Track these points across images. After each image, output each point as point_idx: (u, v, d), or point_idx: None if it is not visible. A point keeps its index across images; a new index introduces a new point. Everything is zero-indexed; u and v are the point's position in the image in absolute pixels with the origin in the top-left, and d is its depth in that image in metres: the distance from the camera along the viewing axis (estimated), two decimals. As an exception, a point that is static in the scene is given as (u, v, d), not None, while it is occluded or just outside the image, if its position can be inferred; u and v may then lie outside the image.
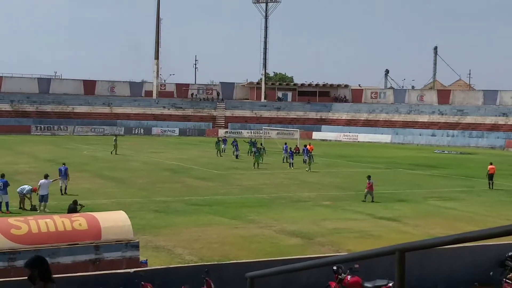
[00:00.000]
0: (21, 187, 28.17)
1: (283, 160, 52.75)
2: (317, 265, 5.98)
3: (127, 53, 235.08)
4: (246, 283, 6.32)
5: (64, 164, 34.05)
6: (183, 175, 42.21)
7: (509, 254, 17.76)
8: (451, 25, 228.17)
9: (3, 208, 27.01)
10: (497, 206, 32.18)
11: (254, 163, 47.95)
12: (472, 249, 17.37)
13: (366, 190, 32.61)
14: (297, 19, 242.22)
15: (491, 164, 40.23)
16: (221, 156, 57.22)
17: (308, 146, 52.89)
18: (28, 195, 27.85)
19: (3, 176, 27.91)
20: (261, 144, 55.90)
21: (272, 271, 6.74)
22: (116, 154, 55.72)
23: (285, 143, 56.30)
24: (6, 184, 27.34)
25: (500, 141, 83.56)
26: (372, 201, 31.96)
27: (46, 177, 28.18)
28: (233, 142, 58.76)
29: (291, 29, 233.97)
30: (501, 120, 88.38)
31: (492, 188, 38.67)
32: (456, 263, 17.39)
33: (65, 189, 32.60)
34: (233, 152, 56.70)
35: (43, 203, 27.26)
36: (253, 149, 51.45)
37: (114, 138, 59.86)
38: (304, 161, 49.99)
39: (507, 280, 17.54)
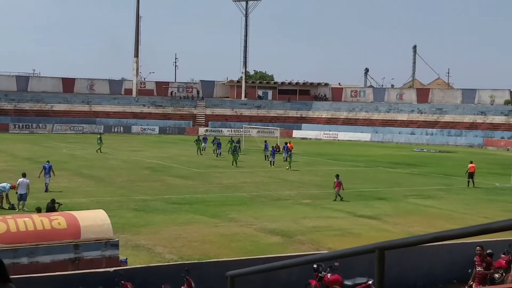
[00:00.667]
0: (1, 185, 27.88)
1: (265, 158, 52.82)
2: (297, 264, 6.00)
3: (107, 51, 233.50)
4: (227, 282, 6.32)
5: (48, 161, 34.20)
6: (163, 173, 42.08)
7: (488, 251, 17.92)
8: (430, 24, 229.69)
9: None
10: (475, 204, 32.47)
11: (233, 162, 48.11)
12: (451, 247, 17.52)
13: (335, 189, 32.29)
14: (277, 17, 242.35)
15: (471, 162, 40.56)
16: (201, 154, 57.14)
17: (288, 144, 53.19)
18: (5, 193, 27.62)
19: None
20: (237, 141, 55.70)
21: (253, 270, 6.75)
22: (100, 152, 55.57)
23: (265, 141, 56.38)
24: None
25: (478, 140, 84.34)
26: (338, 200, 31.83)
27: (24, 175, 27.94)
28: (213, 140, 58.74)
29: (271, 27, 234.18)
30: (479, 119, 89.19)
31: (474, 186, 39.01)
32: (434, 261, 17.53)
33: (47, 186, 32.57)
34: (214, 150, 56.67)
35: (21, 202, 27.01)
36: (233, 148, 51.27)
37: (99, 136, 59.66)
38: (285, 159, 50.23)
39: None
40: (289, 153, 48.60)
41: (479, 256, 14.79)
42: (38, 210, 21.99)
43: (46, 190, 32.07)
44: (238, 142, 55.61)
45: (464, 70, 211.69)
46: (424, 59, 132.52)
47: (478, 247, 15.32)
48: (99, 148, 56.62)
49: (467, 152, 68.89)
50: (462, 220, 27.08)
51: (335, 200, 31.84)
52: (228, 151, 52.41)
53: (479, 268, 14.79)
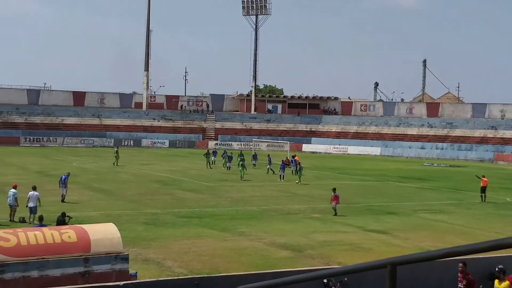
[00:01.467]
0: (10, 197, 27.90)
1: (267, 171, 53.42)
2: (308, 279, 5.98)
3: (117, 65, 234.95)
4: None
5: (68, 174, 35.58)
6: (173, 187, 42.13)
7: (499, 267, 17.80)
8: (440, 38, 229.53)
9: None
10: (486, 219, 32.30)
11: (241, 175, 48.62)
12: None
13: (333, 203, 31.99)
14: (287, 31, 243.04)
15: (483, 176, 40.39)
16: (211, 168, 57.20)
17: (296, 158, 53.51)
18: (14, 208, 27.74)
19: None
20: (239, 154, 55.51)
21: (263, 285, 6.73)
22: (117, 165, 56.27)
23: (268, 155, 57.06)
24: None
25: (489, 154, 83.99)
26: (335, 215, 31.52)
27: (34, 188, 28.02)
28: (223, 154, 58.87)
29: (281, 41, 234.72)
30: (490, 133, 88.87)
31: (485, 201, 38.83)
32: (446, 275, 17.41)
33: (63, 197, 33.64)
34: (224, 164, 56.79)
35: (31, 215, 27.06)
36: (240, 162, 51.25)
37: (115, 149, 60.63)
38: (293, 173, 50.39)
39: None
40: (297, 166, 48.59)
41: (461, 273, 14.64)
42: (40, 219, 22.08)
43: (62, 200, 33.21)
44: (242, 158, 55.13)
45: (474, 84, 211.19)
46: (434, 73, 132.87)
47: (460, 264, 15.15)
48: (116, 162, 57.41)
49: (478, 167, 68.59)
50: (473, 235, 26.93)
51: (335, 214, 31.60)
52: (238, 165, 52.53)
53: (460, 285, 14.67)
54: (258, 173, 54.14)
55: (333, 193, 32.27)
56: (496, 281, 14.46)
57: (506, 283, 14.18)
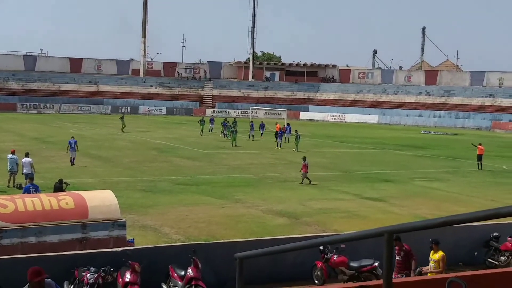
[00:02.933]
0: (11, 163, 27.87)
1: (248, 137, 54.33)
2: (306, 246, 6.01)
3: (114, 31, 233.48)
4: (235, 263, 6.34)
5: (73, 137, 36.56)
6: (170, 154, 42.15)
7: (494, 234, 17.94)
8: (439, 5, 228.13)
9: None
10: (482, 187, 32.42)
11: (232, 142, 49.15)
12: (457, 230, 17.49)
13: (302, 172, 31.55)
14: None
15: (480, 144, 40.45)
16: (202, 135, 57.08)
17: (277, 125, 55.15)
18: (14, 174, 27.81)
19: None
20: (234, 124, 55.33)
21: (261, 252, 6.76)
22: (123, 132, 57.22)
23: (251, 121, 58.68)
24: None
25: (486, 122, 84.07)
26: (306, 183, 31.17)
27: (27, 155, 27.91)
28: (223, 122, 58.66)
29: (279, 8, 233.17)
30: (487, 101, 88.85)
31: (481, 169, 38.95)
32: (440, 243, 17.53)
33: (73, 159, 35.20)
34: (222, 131, 56.75)
35: (27, 181, 26.99)
36: (232, 129, 51.72)
37: (121, 116, 61.62)
38: (285, 140, 51.05)
39: (490, 261, 17.74)
40: (297, 134, 48.50)
41: (397, 245, 14.59)
42: (60, 182, 22.27)
43: (72, 164, 34.85)
44: (235, 124, 55.02)
45: (473, 52, 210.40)
46: (433, 41, 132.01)
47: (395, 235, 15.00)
48: (123, 127, 58.50)
49: (475, 135, 68.68)
50: (469, 203, 27.06)
51: (301, 183, 31.19)
52: (228, 132, 53.21)
53: (397, 258, 14.64)
54: (255, 141, 54.14)
55: (303, 161, 31.78)
56: (431, 252, 14.37)
57: (440, 254, 13.97)
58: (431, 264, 14.12)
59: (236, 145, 48.51)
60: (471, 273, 7.53)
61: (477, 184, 33.35)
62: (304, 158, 31.92)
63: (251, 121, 60.92)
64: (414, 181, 33.53)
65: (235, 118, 61.25)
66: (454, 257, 17.64)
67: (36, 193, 22.02)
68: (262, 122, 62.17)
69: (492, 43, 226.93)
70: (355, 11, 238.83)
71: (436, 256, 14.14)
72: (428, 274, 14.03)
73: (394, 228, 4.31)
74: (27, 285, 7.07)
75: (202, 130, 58.39)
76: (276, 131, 52.09)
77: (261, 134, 58.33)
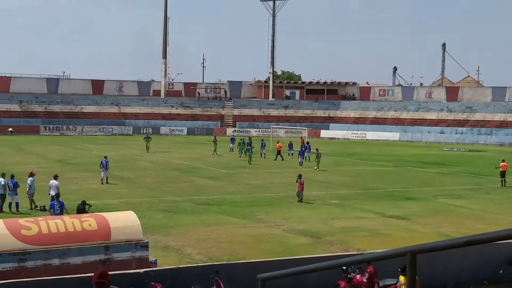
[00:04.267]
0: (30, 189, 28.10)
1: (261, 155, 55.35)
2: (328, 267, 5.99)
3: (135, 53, 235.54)
4: (257, 284, 6.33)
5: (105, 157, 37.61)
6: (191, 174, 42.28)
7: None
8: (460, 21, 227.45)
9: (13, 209, 27.13)
10: (506, 204, 32.08)
11: (248, 160, 50.15)
12: (482, 248, 17.30)
13: (297, 190, 31.42)
14: (305, 16, 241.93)
15: (503, 161, 40.09)
16: (216, 154, 57.12)
17: (278, 144, 55.49)
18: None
19: (13, 177, 28.06)
20: (248, 142, 55.48)
21: (284, 273, 6.75)
22: (148, 152, 58.04)
23: (262, 140, 59.67)
24: (16, 185, 27.47)
25: (509, 138, 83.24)
26: (301, 201, 30.91)
27: (55, 177, 28.21)
28: (241, 142, 58.62)
29: (298, 27, 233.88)
30: (510, 117, 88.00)
31: (505, 185, 38.56)
32: (465, 261, 17.36)
33: (107, 179, 36.45)
34: (242, 150, 56.65)
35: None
36: (247, 147, 52.93)
37: (145, 137, 62.83)
38: (306, 159, 51.28)
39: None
40: (317, 153, 48.44)
41: (367, 266, 14.37)
42: (83, 204, 22.68)
43: (105, 182, 36.15)
44: (250, 143, 55.27)
45: (494, 68, 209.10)
46: (454, 57, 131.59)
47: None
48: (147, 148, 59.28)
49: (498, 151, 68.05)
50: (492, 220, 26.78)
51: (299, 201, 31.03)
52: (243, 151, 54.00)
53: (364, 280, 14.45)
54: (276, 160, 54.15)
55: (298, 179, 31.59)
56: (402, 278, 13.94)
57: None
58: None
59: (251, 163, 49.16)
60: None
61: (500, 201, 33.00)
62: (300, 176, 31.74)
63: (262, 140, 61.28)
64: (437, 199, 33.27)
65: (250, 137, 61.23)
66: (479, 275, 17.45)
67: (61, 209, 22.92)
68: (262, 140, 60.35)
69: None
70: (374, 28, 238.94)
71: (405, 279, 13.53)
72: None
73: (417, 248, 4.28)
74: None
75: (215, 150, 58.43)
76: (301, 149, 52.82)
77: (290, 154, 56.91)
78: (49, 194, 27.41)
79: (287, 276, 7.36)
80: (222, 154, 57.83)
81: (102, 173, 36.63)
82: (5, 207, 27.45)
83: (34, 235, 15.15)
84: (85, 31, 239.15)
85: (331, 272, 15.32)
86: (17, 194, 27.35)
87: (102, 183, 36.02)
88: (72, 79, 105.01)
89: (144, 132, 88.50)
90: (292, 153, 56.50)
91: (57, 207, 23.40)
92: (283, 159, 52.96)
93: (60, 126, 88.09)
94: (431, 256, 15.94)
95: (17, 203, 27.20)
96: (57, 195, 24.72)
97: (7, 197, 27.58)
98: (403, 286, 13.79)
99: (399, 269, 14.12)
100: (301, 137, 67.66)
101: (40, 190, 29.27)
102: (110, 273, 15.03)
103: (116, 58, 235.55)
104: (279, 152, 54.00)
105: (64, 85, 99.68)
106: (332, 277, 15.59)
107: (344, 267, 15.54)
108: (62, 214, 23.59)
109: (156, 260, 17.31)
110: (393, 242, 21.18)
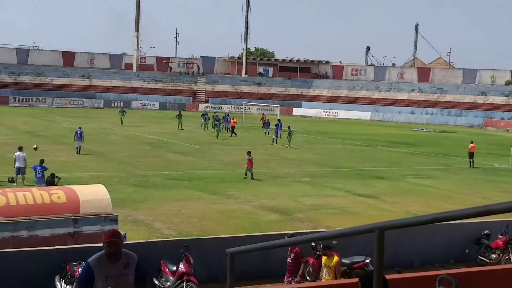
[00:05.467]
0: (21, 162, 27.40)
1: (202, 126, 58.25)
2: (296, 242, 6.02)
3: (108, 25, 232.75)
4: (227, 259, 6.36)
5: (80, 127, 39.02)
6: (162, 149, 42.11)
7: (485, 232, 18.02)
8: (433, 2, 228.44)
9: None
10: (473, 185, 32.55)
11: (216, 134, 51.19)
12: (448, 227, 17.58)
13: (246, 166, 31.44)
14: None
15: (472, 142, 40.59)
16: (182, 129, 57.20)
17: (232, 120, 55.89)
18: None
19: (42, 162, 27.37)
20: (217, 118, 55.99)
21: (253, 248, 6.78)
22: (122, 126, 58.19)
23: (227, 114, 61.98)
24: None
25: (478, 120, 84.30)
26: (252, 178, 30.97)
27: (20, 149, 27.76)
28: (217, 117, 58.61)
29: (273, 4, 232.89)
30: (480, 99, 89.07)
31: (473, 166, 39.08)
32: (432, 240, 17.61)
33: (80, 149, 37.53)
34: (212, 126, 56.65)
35: (20, 175, 26.92)
36: (215, 122, 54.69)
37: (119, 110, 63.56)
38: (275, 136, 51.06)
39: (481, 258, 17.82)
40: (288, 131, 48.56)
41: (290, 248, 14.33)
42: (52, 176, 22.42)
43: (78, 152, 37.30)
44: (217, 118, 56.02)
45: (465, 50, 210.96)
46: (426, 38, 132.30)
47: (286, 236, 14.53)
48: (121, 121, 59.64)
49: (467, 133, 68.90)
50: (460, 200, 27.17)
51: (245, 177, 31.03)
52: (212, 125, 55.67)
53: (288, 260, 14.39)
54: (248, 137, 54.20)
55: (247, 156, 31.60)
56: (324, 258, 13.82)
57: (335, 259, 13.31)
58: (325, 270, 13.34)
59: (218, 138, 50.22)
60: (462, 271, 7.57)
61: (468, 182, 33.48)
62: (249, 153, 31.77)
63: (227, 114, 63.55)
64: (406, 178, 33.63)
65: (216, 114, 61.43)
66: (445, 254, 17.73)
67: (43, 174, 24.24)
68: (268, 120, 59.20)
69: (485, 41, 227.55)
70: (348, 8, 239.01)
71: (330, 261, 13.31)
72: (323, 280, 13.39)
73: (385, 225, 4.32)
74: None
75: (180, 124, 58.53)
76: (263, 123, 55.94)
77: (267, 133, 56.37)
78: (15, 166, 26.98)
79: (255, 251, 7.43)
80: (187, 129, 57.75)
81: (76, 143, 37.80)
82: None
83: (2, 207, 14.99)
84: (57, 2, 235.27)
85: (300, 248, 15.44)
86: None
87: (77, 152, 37.25)
88: (42, 50, 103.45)
89: (116, 106, 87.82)
90: (268, 132, 55.95)
91: (39, 171, 24.41)
92: (236, 135, 53.26)
93: (30, 97, 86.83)
94: (398, 235, 16.14)
95: None
96: (41, 161, 25.47)
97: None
98: (325, 268, 13.30)
99: (320, 247, 13.78)
100: (263, 113, 68.93)
101: (8, 162, 28.91)
102: (78, 246, 14.98)
103: (87, 30, 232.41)
104: (233, 129, 54.25)
105: (34, 56, 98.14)
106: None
107: (313, 244, 15.66)
108: (44, 179, 24.09)
109: (125, 234, 17.24)
110: (362, 220, 21.38)
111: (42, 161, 25.67)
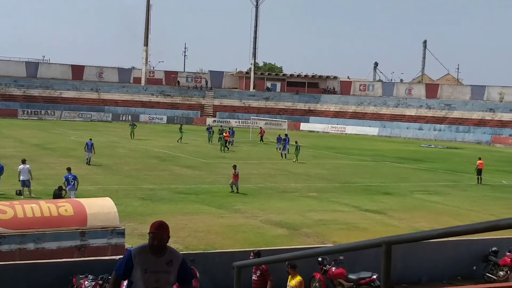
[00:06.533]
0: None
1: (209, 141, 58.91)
2: (303, 256, 6.01)
3: (117, 39, 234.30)
4: (233, 272, 6.35)
5: (90, 139, 40.03)
6: (170, 163, 42.15)
7: (493, 249, 17.92)
8: (441, 19, 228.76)
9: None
10: (481, 201, 32.41)
11: (221, 148, 51.79)
12: (456, 244, 17.50)
13: (231, 180, 31.22)
14: (288, 9, 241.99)
15: (479, 159, 40.44)
16: (181, 142, 57.44)
17: (224, 134, 55.06)
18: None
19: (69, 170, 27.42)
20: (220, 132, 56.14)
21: (259, 261, 6.78)
22: (132, 139, 58.93)
23: (231, 128, 62.33)
24: (1, 169, 27.00)
25: (486, 137, 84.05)
26: (237, 192, 30.70)
27: (23, 162, 27.71)
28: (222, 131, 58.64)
29: (281, 19, 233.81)
30: (488, 116, 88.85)
31: (481, 183, 38.92)
32: (439, 257, 17.53)
33: (89, 160, 38.40)
34: (218, 140, 56.66)
35: (24, 187, 26.82)
36: (219, 136, 54.69)
37: (130, 123, 64.13)
38: (280, 149, 51.36)
39: (489, 275, 17.71)
40: (296, 146, 48.56)
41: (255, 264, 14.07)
42: (60, 189, 22.64)
43: (88, 163, 38.18)
44: (221, 131, 56.35)
45: (473, 66, 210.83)
46: (434, 55, 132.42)
47: (252, 254, 13.90)
48: (132, 135, 60.05)
49: (475, 149, 68.68)
50: (467, 217, 27.04)
51: (231, 191, 30.80)
52: (218, 140, 55.04)
53: (253, 277, 14.13)
54: (255, 151, 54.20)
55: (233, 170, 31.42)
56: (289, 277, 13.38)
57: (297, 279, 13.13)
58: None
59: (224, 151, 50.95)
60: (469, 287, 7.53)
61: (476, 198, 33.34)
62: (235, 167, 31.68)
63: (231, 128, 63.77)
64: (414, 194, 33.51)
65: (222, 127, 61.74)
66: (453, 271, 17.64)
67: (74, 181, 25.10)
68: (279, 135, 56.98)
69: (493, 57, 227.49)
70: (357, 24, 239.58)
71: (293, 282, 13.18)
72: None
73: (392, 239, 4.31)
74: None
75: (181, 138, 58.71)
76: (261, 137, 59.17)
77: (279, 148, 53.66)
78: (19, 179, 26.86)
79: (262, 264, 7.41)
80: (188, 142, 57.91)
81: (86, 154, 38.67)
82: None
83: (10, 219, 15.03)
84: (66, 16, 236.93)
85: (307, 264, 15.40)
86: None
87: (87, 163, 38.15)
88: (51, 63, 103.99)
89: (124, 119, 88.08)
90: (280, 148, 52.43)
91: (71, 179, 25.06)
92: (228, 149, 52.84)
93: (39, 110, 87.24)
94: (406, 250, 16.08)
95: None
96: (69, 169, 26.17)
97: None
98: None
99: (287, 266, 13.39)
100: (260, 127, 69.72)
101: (16, 174, 28.97)
102: (85, 259, 14.97)
103: (96, 43, 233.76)
104: (226, 142, 53.78)
105: (44, 69, 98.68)
106: (307, 268, 15.66)
107: (320, 259, 15.62)
108: (75, 186, 25.04)
109: (132, 247, 17.26)
110: (369, 236, 21.29)
111: (69, 169, 26.28)
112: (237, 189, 31.08)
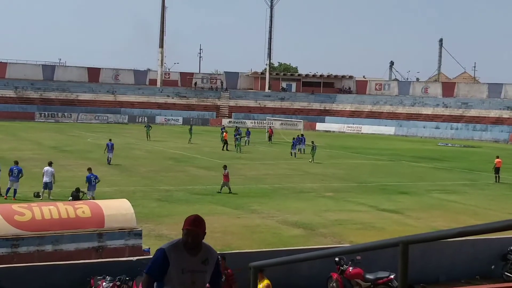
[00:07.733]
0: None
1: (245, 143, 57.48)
2: (320, 256, 6.01)
3: (132, 41, 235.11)
4: (250, 273, 6.35)
5: (110, 140, 41.38)
6: (186, 164, 42.26)
7: (511, 248, 17.78)
8: (457, 17, 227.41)
9: (10, 194, 26.94)
10: (499, 200, 32.18)
11: (237, 149, 51.85)
12: (474, 242, 17.39)
13: (222, 181, 31.05)
14: (303, 9, 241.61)
15: (497, 157, 40.16)
16: (190, 143, 57.70)
17: (224, 134, 55.44)
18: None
19: (17, 163, 27.82)
20: (237, 132, 55.89)
21: (276, 262, 6.77)
22: (148, 140, 59.21)
23: (248, 129, 62.94)
24: (20, 172, 27.21)
25: (504, 135, 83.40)
26: (230, 193, 30.54)
27: (50, 164, 28.08)
28: (238, 131, 58.49)
29: (296, 19, 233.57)
30: (505, 114, 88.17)
31: (499, 181, 38.63)
32: (458, 256, 17.43)
33: (110, 160, 39.65)
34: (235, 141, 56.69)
35: (46, 190, 27.16)
36: (235, 135, 53.97)
37: (145, 125, 64.85)
38: (301, 151, 51.56)
39: (507, 274, 17.58)
40: (312, 146, 48.49)
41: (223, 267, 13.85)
42: (77, 191, 22.93)
43: (109, 163, 39.40)
44: (238, 132, 56.10)
45: (490, 64, 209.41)
46: (450, 53, 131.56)
47: (219, 257, 13.92)
48: (148, 137, 60.34)
49: (492, 147, 68.16)
50: (485, 216, 26.86)
51: (219, 192, 30.54)
52: (234, 140, 54.21)
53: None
54: (271, 152, 54.19)
55: (224, 170, 31.24)
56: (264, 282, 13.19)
57: (265, 283, 13.04)
58: None
59: (241, 151, 51.13)
60: (488, 287, 7.48)
61: (494, 197, 33.10)
62: (225, 167, 31.55)
63: (247, 129, 64.49)
64: (431, 193, 33.34)
65: (238, 127, 61.70)
66: (471, 270, 17.52)
67: (96, 181, 25.83)
68: (298, 136, 56.15)
69: (510, 55, 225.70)
70: (372, 22, 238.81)
71: (260, 286, 13.08)
72: None
73: (410, 238, 4.29)
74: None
75: (190, 138, 59.29)
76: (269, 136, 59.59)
77: (300, 149, 53.16)
78: (43, 180, 27.26)
79: (279, 265, 7.40)
80: (198, 143, 58.14)
81: (107, 154, 40.07)
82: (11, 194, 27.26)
83: (28, 221, 15.15)
84: (82, 18, 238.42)
85: (324, 264, 15.37)
86: (18, 181, 27.07)
87: (108, 163, 39.36)
88: (68, 66, 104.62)
89: (140, 121, 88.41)
90: (294, 151, 51.37)
91: (93, 179, 25.72)
92: (227, 150, 52.85)
93: (56, 113, 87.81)
94: (423, 249, 16.00)
95: (15, 190, 26.93)
96: (89, 169, 26.81)
97: (8, 183, 27.24)
98: None
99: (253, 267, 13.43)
100: (270, 127, 70.23)
101: (35, 177, 29.22)
102: (103, 260, 15.03)
103: (112, 46, 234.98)
104: (225, 142, 53.98)
105: (60, 72, 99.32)
106: (324, 269, 15.64)
107: (337, 259, 15.58)
108: (95, 186, 25.87)
109: (149, 248, 17.31)
110: (386, 235, 21.21)
111: (90, 169, 26.79)
112: (229, 189, 30.89)
